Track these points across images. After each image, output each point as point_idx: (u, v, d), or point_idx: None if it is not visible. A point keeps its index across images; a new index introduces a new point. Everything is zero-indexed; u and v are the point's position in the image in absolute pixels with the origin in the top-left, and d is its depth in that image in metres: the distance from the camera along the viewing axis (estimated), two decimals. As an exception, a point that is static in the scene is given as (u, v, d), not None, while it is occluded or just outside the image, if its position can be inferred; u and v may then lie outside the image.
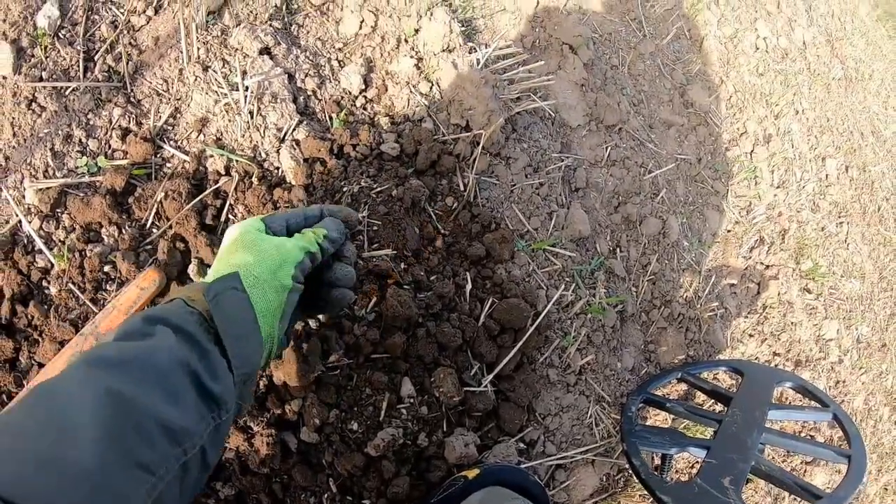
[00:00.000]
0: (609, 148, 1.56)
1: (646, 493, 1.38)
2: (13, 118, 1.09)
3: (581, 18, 1.73)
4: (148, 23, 1.22)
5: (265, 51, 1.26)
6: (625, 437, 1.22)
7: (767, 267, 1.94)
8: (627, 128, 1.64)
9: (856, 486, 1.10)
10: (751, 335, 1.84)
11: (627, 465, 1.26)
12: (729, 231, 1.84)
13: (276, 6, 1.31)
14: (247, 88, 1.21)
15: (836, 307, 2.33)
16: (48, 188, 1.07)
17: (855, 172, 2.94)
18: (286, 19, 1.33)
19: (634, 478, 1.37)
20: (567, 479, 1.26)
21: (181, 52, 1.21)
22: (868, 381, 2.38)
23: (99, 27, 1.19)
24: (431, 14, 1.41)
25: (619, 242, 1.49)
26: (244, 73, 1.22)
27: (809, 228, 2.33)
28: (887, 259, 2.96)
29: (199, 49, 1.21)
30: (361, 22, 1.39)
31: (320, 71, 1.31)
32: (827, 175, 2.65)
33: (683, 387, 1.60)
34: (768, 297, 1.90)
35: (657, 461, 1.39)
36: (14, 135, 1.09)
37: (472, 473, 1.06)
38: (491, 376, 1.15)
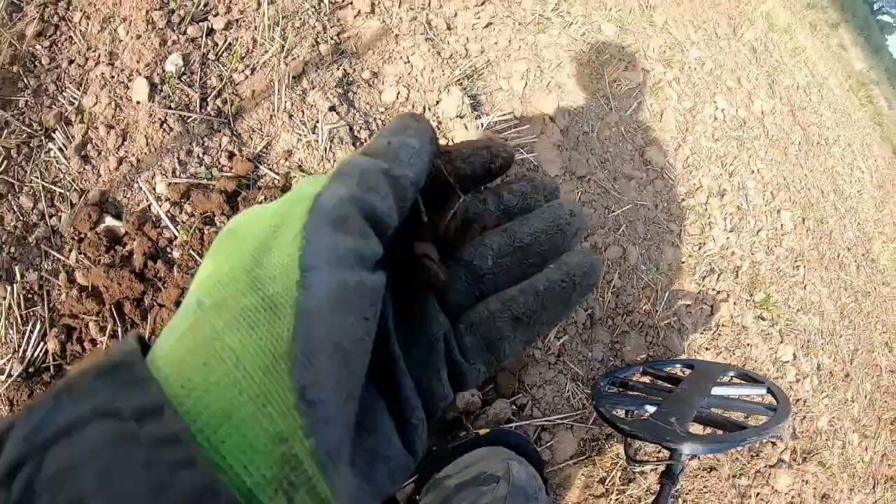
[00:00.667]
0: (580, 193, 2.03)
1: (615, 458, 1.76)
2: (147, 132, 1.52)
3: (559, 95, 2.22)
4: (246, 79, 1.70)
5: (332, 108, 1.73)
6: (594, 396, 1.61)
7: (718, 292, 2.35)
8: (595, 179, 2.10)
9: (775, 426, 1.33)
10: (707, 349, 2.23)
11: (597, 416, 1.63)
12: (683, 262, 2.26)
13: (338, 78, 1.80)
14: (319, 132, 1.68)
15: (793, 336, 2.67)
16: (178, 183, 1.50)
17: (812, 224, 3.33)
18: (345, 87, 1.82)
19: (605, 447, 1.76)
20: (551, 440, 1.66)
21: (272, 103, 1.68)
22: (831, 405, 2.66)
23: (210, 77, 1.66)
24: (448, 91, 1.91)
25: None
26: (317, 122, 1.70)
27: (763, 268, 2.71)
28: (849, 301, 3.31)
29: (285, 102, 1.68)
30: (398, 94, 1.88)
31: (370, 126, 1.78)
32: (782, 225, 3.04)
33: (646, 380, 2.00)
34: (721, 316, 2.30)
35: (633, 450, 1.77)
36: (147, 144, 1.51)
37: (483, 431, 1.43)
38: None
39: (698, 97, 3.00)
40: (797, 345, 2.64)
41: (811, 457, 2.36)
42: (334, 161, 1.67)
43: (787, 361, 2.55)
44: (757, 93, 3.67)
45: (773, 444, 2.29)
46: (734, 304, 2.39)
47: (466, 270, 0.38)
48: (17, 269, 1.31)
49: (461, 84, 1.99)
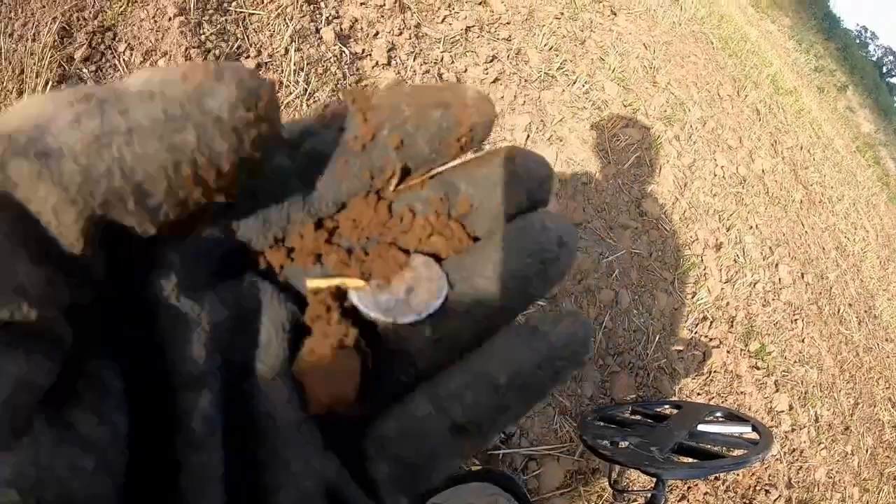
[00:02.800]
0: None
1: (600, 491, 1.83)
2: None
3: (559, 148, 2.36)
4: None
5: None
6: (580, 427, 1.69)
7: (711, 339, 2.43)
8: (591, 226, 2.22)
9: (754, 457, 1.39)
10: (698, 393, 2.30)
11: (583, 447, 1.71)
12: (676, 309, 2.36)
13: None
14: None
15: (789, 387, 2.72)
16: None
17: (812, 279, 3.39)
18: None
19: (592, 479, 1.83)
20: (538, 470, 1.74)
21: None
22: (829, 457, 2.69)
23: None
24: (451, 142, 2.06)
25: (581, 305, 2.03)
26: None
27: (759, 320, 2.78)
28: (850, 355, 3.35)
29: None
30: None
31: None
32: (780, 279, 3.12)
33: (635, 417, 2.06)
34: (713, 363, 2.38)
35: (615, 476, 1.84)
36: None
37: (474, 467, 1.51)
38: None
39: (698, 154, 3.12)
40: (794, 395, 2.69)
41: (807, 508, 2.39)
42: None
43: (783, 411, 2.59)
44: (758, 151, 3.79)
45: (767, 491, 2.32)
46: (727, 352, 2.46)
47: (386, 351, 0.24)
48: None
49: (467, 134, 2.13)
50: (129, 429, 0.19)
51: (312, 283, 0.24)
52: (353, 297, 0.24)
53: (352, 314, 0.24)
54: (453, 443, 0.23)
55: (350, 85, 2.04)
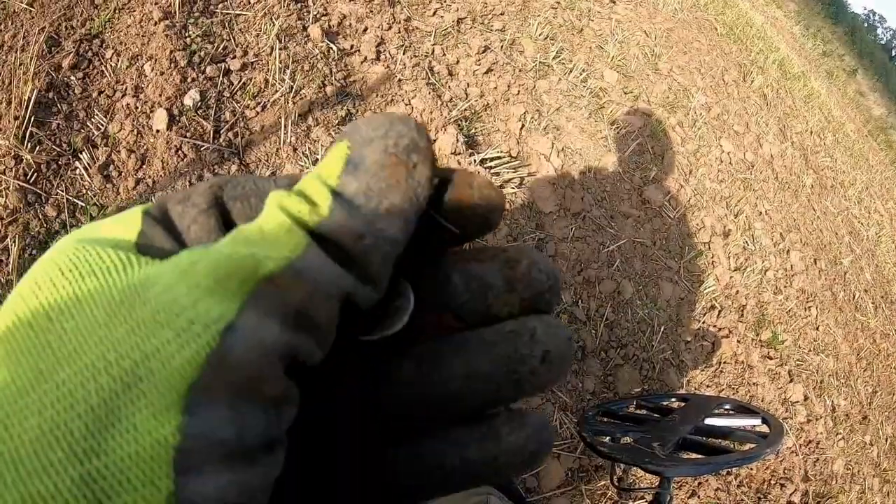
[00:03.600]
0: (574, 229, 2.08)
1: (604, 490, 1.77)
2: (164, 158, 1.65)
3: (556, 137, 2.31)
4: (257, 115, 1.83)
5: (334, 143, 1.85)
6: (580, 423, 1.63)
7: (720, 329, 2.36)
8: (590, 216, 2.16)
9: (761, 452, 1.32)
10: (707, 386, 2.24)
11: (583, 444, 1.66)
12: (682, 298, 2.29)
13: (342, 117, 1.92)
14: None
15: (804, 377, 2.65)
16: None
17: (825, 265, 3.32)
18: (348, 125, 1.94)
19: (594, 477, 1.77)
20: (538, 468, 1.68)
21: (279, 137, 1.79)
22: (847, 448, 2.62)
23: (224, 112, 1.79)
24: (445, 130, 2.01)
25: (580, 297, 1.97)
26: (319, 155, 1.80)
27: (771, 308, 2.71)
28: (867, 342, 3.27)
29: (291, 136, 1.80)
30: (395, 133, 2.00)
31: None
32: (792, 265, 3.04)
33: (640, 412, 2.01)
34: (722, 353, 2.31)
35: (619, 473, 1.78)
36: (163, 168, 1.64)
37: None
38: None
39: (703, 140, 3.06)
40: (809, 385, 2.62)
41: (825, 501, 2.32)
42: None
43: (798, 402, 2.52)
44: (766, 137, 3.71)
45: (782, 485, 2.26)
46: (738, 341, 2.39)
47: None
48: (37, 267, 1.42)
49: (458, 124, 2.09)
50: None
51: None
52: None
53: None
54: None
55: (338, 82, 2.01)
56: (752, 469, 2.19)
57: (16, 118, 1.55)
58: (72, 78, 1.72)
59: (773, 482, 2.24)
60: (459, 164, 1.94)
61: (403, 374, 0.23)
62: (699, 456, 1.42)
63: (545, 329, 0.23)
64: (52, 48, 1.75)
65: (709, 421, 1.62)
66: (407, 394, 0.23)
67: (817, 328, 2.93)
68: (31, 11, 1.81)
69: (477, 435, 0.23)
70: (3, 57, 1.71)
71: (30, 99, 1.58)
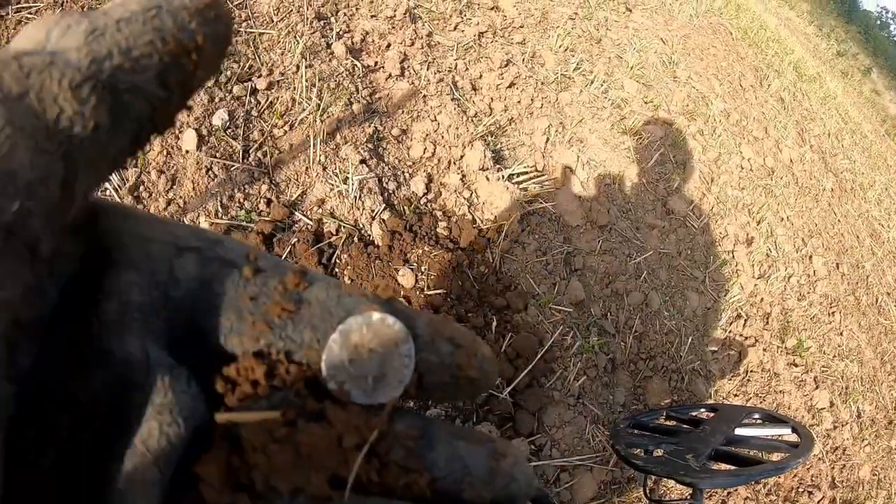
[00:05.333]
0: (601, 241, 2.10)
1: (636, 501, 1.78)
2: (194, 178, 1.67)
3: (580, 149, 2.32)
4: (285, 134, 1.85)
5: (363, 161, 1.86)
6: (612, 436, 1.64)
7: (746, 338, 2.36)
8: (616, 228, 2.18)
9: (794, 461, 1.33)
10: (735, 395, 2.24)
11: (616, 457, 1.67)
12: (708, 308, 2.30)
13: (369, 134, 1.94)
14: (350, 182, 1.81)
15: (829, 383, 2.64)
16: (219, 223, 1.63)
17: (847, 269, 3.30)
18: (375, 143, 1.95)
19: (627, 489, 1.78)
20: (571, 482, 1.69)
21: (308, 156, 1.82)
22: (874, 454, 2.61)
23: (252, 132, 1.81)
24: (472, 146, 2.02)
25: (609, 309, 1.98)
26: (349, 174, 1.82)
27: (795, 315, 2.71)
28: (891, 346, 3.25)
29: (320, 155, 1.82)
30: (424, 149, 2.00)
31: (398, 178, 1.90)
32: (815, 271, 3.04)
33: (669, 423, 2.01)
34: (749, 362, 2.31)
35: (650, 485, 1.79)
36: (193, 188, 1.66)
37: None
38: (510, 388, 1.64)
39: (723, 147, 3.06)
40: (834, 392, 2.61)
41: (853, 508, 2.32)
42: (362, 210, 1.79)
43: (824, 408, 2.52)
44: (785, 141, 3.71)
45: (810, 493, 2.25)
46: (764, 350, 2.39)
47: None
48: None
49: (485, 139, 2.11)
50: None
51: (222, 417, 0.23)
52: (324, 369, 0.23)
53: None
54: None
55: (364, 99, 2.03)
56: (779, 477, 2.18)
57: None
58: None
59: (801, 490, 2.23)
60: (488, 179, 1.95)
61: None
62: (732, 467, 1.42)
63: None
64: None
65: (739, 431, 1.61)
66: None
67: (841, 333, 2.92)
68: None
69: None
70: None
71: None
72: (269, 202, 1.73)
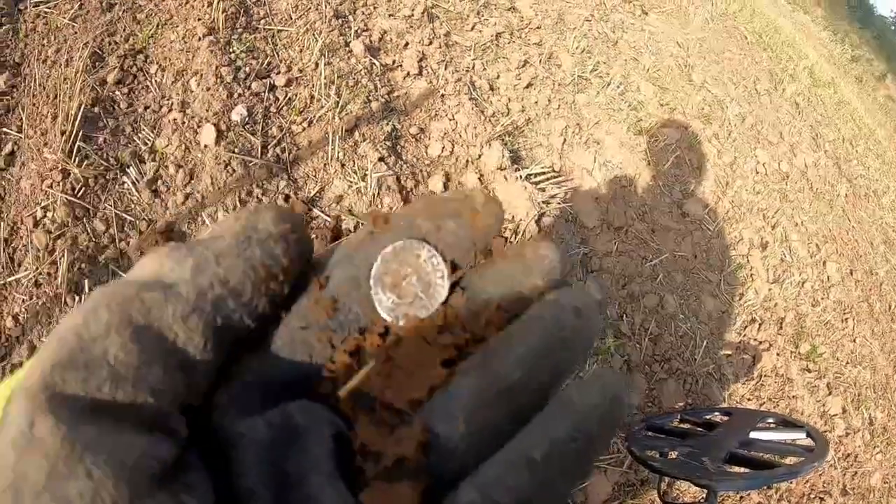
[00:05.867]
0: (617, 243, 2.10)
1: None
2: (212, 173, 1.67)
3: (597, 151, 2.32)
4: (303, 130, 1.86)
5: (381, 159, 1.87)
6: (627, 438, 1.64)
7: (760, 342, 2.36)
8: (632, 230, 2.17)
9: (809, 465, 1.32)
10: (749, 399, 2.23)
11: (631, 459, 1.66)
12: (723, 312, 2.29)
13: (387, 132, 1.94)
14: (368, 180, 1.81)
15: (842, 389, 2.63)
16: None
17: (861, 275, 3.28)
18: (394, 141, 1.96)
19: (640, 492, 1.78)
20: (585, 483, 1.69)
21: (326, 153, 1.82)
22: (885, 461, 2.59)
23: (271, 128, 1.82)
24: (490, 145, 2.03)
25: (625, 311, 1.98)
26: (367, 171, 1.83)
27: (809, 320, 2.69)
28: (904, 354, 3.23)
29: (338, 152, 1.83)
30: (442, 148, 2.01)
31: (416, 177, 1.91)
32: (829, 277, 3.02)
33: (684, 426, 2.00)
34: (763, 367, 2.30)
35: (664, 487, 1.78)
36: (212, 183, 1.66)
37: None
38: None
39: (738, 152, 3.05)
40: (847, 398, 2.59)
41: (864, 515, 2.30)
42: (382, 207, 1.79)
43: (836, 415, 2.50)
44: (800, 146, 3.69)
45: (822, 499, 2.24)
46: (777, 354, 2.38)
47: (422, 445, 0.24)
48: (86, 282, 1.45)
49: (502, 139, 2.11)
50: None
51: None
52: (375, 300, 0.27)
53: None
54: None
55: (382, 97, 2.03)
56: (791, 483, 2.17)
57: (62, 132, 1.57)
58: (117, 93, 1.75)
59: (812, 496, 2.22)
60: (506, 179, 1.96)
61: (468, 385, 0.25)
62: (747, 470, 1.42)
63: (568, 293, 0.26)
64: (96, 63, 1.79)
65: (753, 435, 1.61)
66: (480, 398, 0.24)
67: (854, 340, 2.91)
68: (73, 27, 1.85)
69: (555, 410, 0.24)
70: (48, 71, 1.74)
71: (76, 114, 1.60)
72: (287, 198, 1.74)
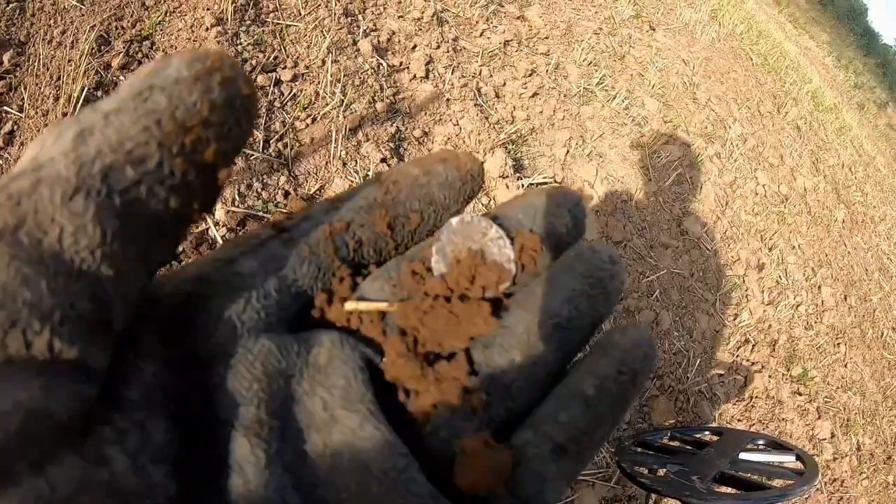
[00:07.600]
0: (615, 257, 2.09)
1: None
2: None
3: (599, 164, 2.32)
4: (307, 127, 1.85)
5: (384, 160, 1.86)
6: (617, 453, 1.63)
7: (753, 363, 2.35)
8: (631, 245, 2.17)
9: (800, 488, 1.32)
10: (739, 420, 2.23)
11: (620, 473, 1.65)
12: (717, 331, 2.29)
13: (391, 134, 1.94)
14: None
15: (832, 413, 2.63)
16: (236, 212, 1.63)
17: (855, 301, 3.29)
18: (397, 143, 1.95)
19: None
20: (572, 496, 1.68)
21: (329, 151, 1.81)
22: (871, 487, 2.60)
23: (274, 122, 1.81)
24: (493, 152, 2.02)
25: (619, 325, 1.98)
26: (369, 171, 1.82)
27: (802, 343, 2.70)
28: (894, 381, 3.24)
29: (341, 150, 1.82)
30: (445, 153, 2.01)
31: (418, 181, 1.91)
32: (823, 301, 3.03)
33: (674, 444, 2.00)
34: (754, 388, 2.30)
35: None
36: None
37: None
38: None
39: (739, 172, 3.05)
40: (836, 423, 2.60)
41: (848, 541, 2.30)
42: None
43: (825, 439, 2.51)
44: (800, 170, 3.70)
45: (807, 524, 2.24)
46: (769, 376, 2.38)
47: (483, 383, 0.25)
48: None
49: (506, 147, 2.10)
50: (175, 490, 0.19)
51: (350, 305, 0.25)
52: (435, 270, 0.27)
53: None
54: (556, 466, 0.23)
55: (387, 98, 2.03)
56: (779, 505, 2.17)
57: (64, 114, 1.56)
58: (121, 78, 1.72)
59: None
60: (508, 187, 1.95)
61: (523, 318, 0.26)
62: (737, 491, 1.42)
63: (597, 244, 0.27)
64: (102, 47, 1.77)
65: (743, 455, 1.61)
66: (537, 331, 0.25)
67: (845, 365, 2.91)
68: (81, 9, 1.84)
69: (600, 350, 0.26)
70: (52, 52, 1.73)
71: (79, 96, 1.59)
72: (286, 194, 1.73)
